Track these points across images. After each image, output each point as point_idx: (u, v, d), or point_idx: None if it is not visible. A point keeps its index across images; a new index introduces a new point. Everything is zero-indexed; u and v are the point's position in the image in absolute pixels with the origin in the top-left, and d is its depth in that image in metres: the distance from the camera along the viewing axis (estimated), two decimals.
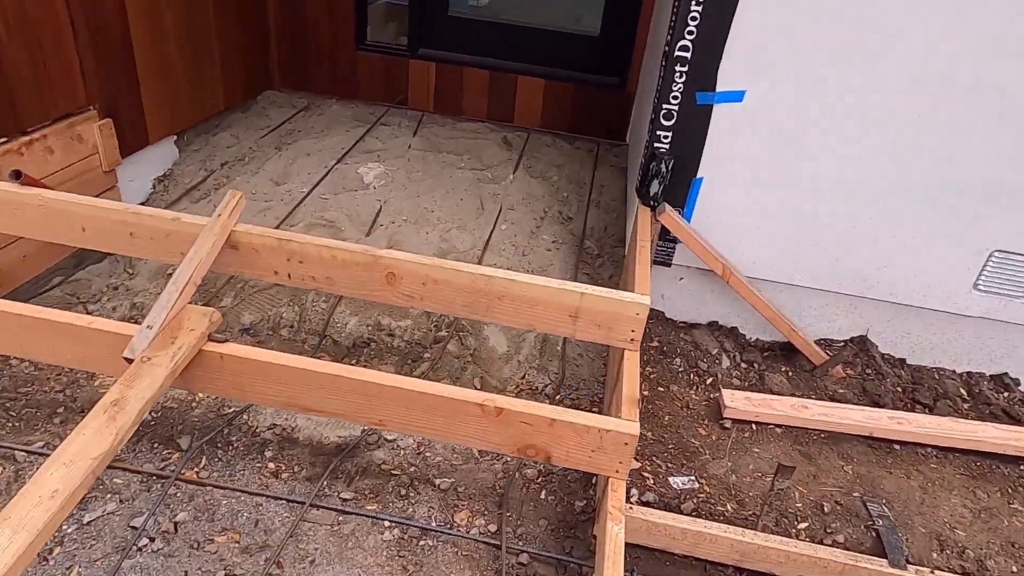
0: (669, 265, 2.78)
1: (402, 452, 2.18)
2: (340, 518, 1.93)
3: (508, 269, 2.91)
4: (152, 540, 1.80)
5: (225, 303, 2.62)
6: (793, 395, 2.64)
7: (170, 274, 1.98)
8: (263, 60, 4.15)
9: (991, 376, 2.82)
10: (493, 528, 1.97)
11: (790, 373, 2.76)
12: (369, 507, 1.97)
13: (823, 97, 2.38)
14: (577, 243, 3.17)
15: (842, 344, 2.87)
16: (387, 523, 1.93)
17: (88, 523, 1.84)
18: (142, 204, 3.24)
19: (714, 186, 2.60)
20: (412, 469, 2.12)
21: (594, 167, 3.82)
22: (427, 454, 2.18)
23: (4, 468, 1.95)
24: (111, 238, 2.21)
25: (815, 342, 2.86)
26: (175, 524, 1.85)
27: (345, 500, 1.99)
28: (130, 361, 1.78)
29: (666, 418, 2.48)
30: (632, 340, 2.06)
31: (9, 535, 1.35)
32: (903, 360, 2.84)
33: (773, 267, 2.72)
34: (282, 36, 4.11)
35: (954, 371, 2.84)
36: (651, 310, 2.94)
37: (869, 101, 2.35)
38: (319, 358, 2.46)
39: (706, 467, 2.28)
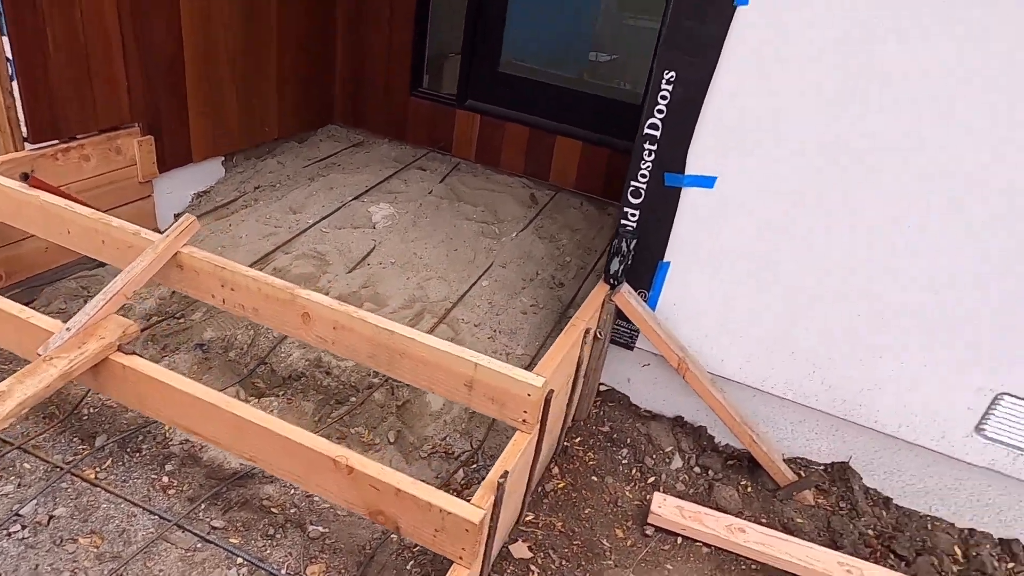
0: (631, 348, 2.62)
1: (292, 491, 2.17)
2: (199, 545, 1.94)
3: (475, 326, 2.89)
4: (24, 528, 1.91)
5: (195, 317, 2.77)
6: (741, 514, 2.37)
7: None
8: (327, 95, 4.42)
9: (999, 540, 2.38)
10: None
11: (748, 488, 2.49)
12: (232, 540, 1.98)
13: (805, 193, 2.18)
14: (561, 310, 3.07)
15: (821, 467, 2.55)
16: (240, 560, 1.92)
17: None
18: (176, 215, 3.53)
19: (681, 273, 2.44)
20: (292, 511, 2.11)
21: (613, 236, 3.70)
22: (316, 498, 2.16)
23: None
24: (88, 242, 2.43)
25: (790, 460, 2.57)
26: (50, 517, 1.95)
27: (214, 528, 2.00)
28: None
29: (586, 511, 2.31)
30: (525, 422, 1.95)
31: None
32: (889, 500, 2.47)
33: (742, 369, 2.48)
34: (346, 74, 4.37)
35: (952, 524, 2.43)
36: (614, 394, 2.79)
37: (857, 201, 2.13)
38: (253, 383, 2.53)
39: (603, 574, 2.09)
